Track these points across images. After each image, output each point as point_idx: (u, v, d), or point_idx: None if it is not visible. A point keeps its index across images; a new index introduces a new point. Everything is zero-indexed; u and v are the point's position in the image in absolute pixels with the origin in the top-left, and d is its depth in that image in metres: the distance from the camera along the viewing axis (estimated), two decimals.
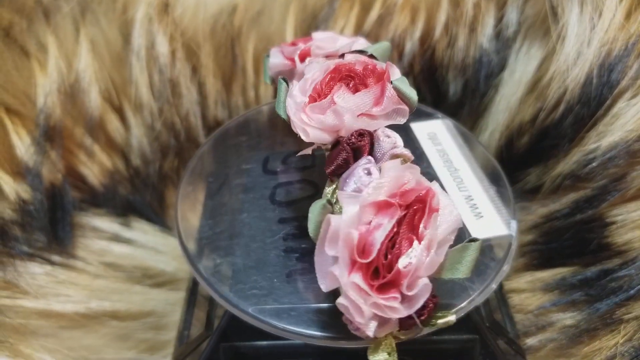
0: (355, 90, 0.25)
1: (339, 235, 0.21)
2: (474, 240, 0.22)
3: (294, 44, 0.31)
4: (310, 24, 0.40)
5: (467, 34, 0.39)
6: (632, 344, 0.29)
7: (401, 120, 0.25)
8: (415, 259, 0.20)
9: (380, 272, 0.21)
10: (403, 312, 0.21)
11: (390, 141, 0.24)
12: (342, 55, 0.27)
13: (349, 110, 0.24)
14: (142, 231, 0.40)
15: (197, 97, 0.40)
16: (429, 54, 0.40)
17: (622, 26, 0.34)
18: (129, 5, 0.38)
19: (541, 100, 0.37)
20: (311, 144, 0.26)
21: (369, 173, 0.23)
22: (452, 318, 0.22)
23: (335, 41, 0.30)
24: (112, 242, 0.39)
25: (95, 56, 0.38)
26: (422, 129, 0.34)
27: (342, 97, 0.24)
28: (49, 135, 0.37)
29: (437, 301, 0.22)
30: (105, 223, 0.39)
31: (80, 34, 0.38)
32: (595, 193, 0.34)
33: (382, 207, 0.21)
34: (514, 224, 0.29)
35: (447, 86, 0.41)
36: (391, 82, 0.25)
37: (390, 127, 0.27)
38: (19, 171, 0.36)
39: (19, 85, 0.37)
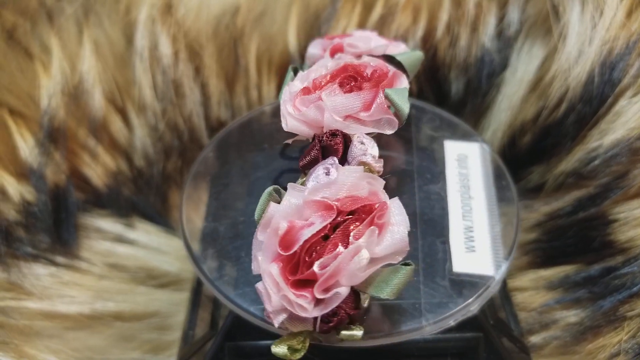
0: (350, 91, 0.25)
1: (270, 223, 0.21)
2: (408, 264, 0.22)
3: (333, 37, 0.31)
4: (312, 25, 0.40)
5: (469, 34, 0.39)
6: (635, 340, 0.29)
7: (388, 131, 0.25)
8: (334, 265, 0.20)
9: (300, 268, 0.21)
10: (311, 312, 0.21)
11: (362, 148, 0.24)
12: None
13: (333, 108, 0.24)
14: (145, 232, 0.40)
15: (200, 98, 0.40)
16: (431, 54, 0.40)
17: (623, 24, 0.34)
18: (132, 7, 0.39)
19: (543, 99, 0.37)
20: (294, 134, 0.26)
21: (328, 173, 0.23)
22: (358, 333, 0.22)
23: (370, 41, 0.30)
24: (116, 243, 0.39)
25: (99, 57, 0.39)
26: (455, 149, 0.33)
27: (329, 94, 0.25)
28: (53, 137, 0.37)
29: (354, 314, 0.22)
30: (109, 224, 0.39)
31: (84, 36, 0.38)
32: (597, 191, 0.34)
33: (320, 207, 0.21)
34: (504, 267, 0.27)
35: (449, 85, 0.41)
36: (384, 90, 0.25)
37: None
38: (23, 172, 0.37)
39: (22, 87, 0.37)
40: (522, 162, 0.39)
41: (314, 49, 0.31)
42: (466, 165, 0.32)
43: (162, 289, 0.38)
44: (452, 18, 0.39)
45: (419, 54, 0.28)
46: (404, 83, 0.26)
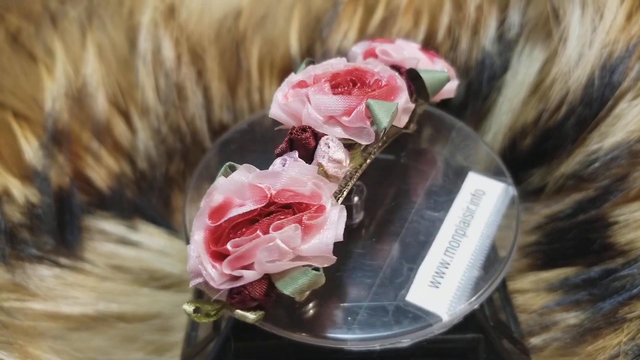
0: (340, 94, 0.25)
1: (208, 194, 0.23)
2: (317, 270, 0.22)
3: (378, 41, 0.32)
4: (314, 28, 0.40)
5: (470, 37, 0.40)
6: (635, 342, 0.29)
7: (363, 141, 0.25)
8: (245, 248, 0.21)
9: (221, 241, 0.22)
10: (218, 284, 0.21)
11: (325, 150, 0.24)
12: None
13: (316, 106, 0.24)
14: (148, 234, 0.40)
15: (202, 101, 0.41)
16: None
17: (623, 28, 0.34)
18: (135, 10, 0.39)
19: (544, 101, 0.38)
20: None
21: (283, 165, 0.24)
22: (250, 317, 0.22)
23: (403, 51, 0.30)
24: (119, 245, 0.39)
25: (102, 61, 0.39)
26: (476, 183, 0.32)
27: (316, 92, 0.25)
28: (57, 139, 0.38)
29: (262, 299, 0.22)
30: (112, 226, 0.39)
31: (87, 39, 0.39)
32: (597, 193, 0.34)
33: (257, 192, 0.22)
34: (458, 311, 0.26)
35: None
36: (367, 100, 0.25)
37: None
38: (27, 175, 0.37)
39: (26, 90, 0.37)
40: (522, 164, 0.39)
41: (357, 48, 0.32)
42: (478, 202, 0.31)
43: (165, 290, 0.38)
44: (453, 21, 0.40)
45: (444, 76, 0.28)
46: (402, 98, 0.26)
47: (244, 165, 0.23)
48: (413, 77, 0.28)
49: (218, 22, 0.40)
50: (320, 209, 0.22)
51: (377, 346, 0.26)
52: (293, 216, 0.22)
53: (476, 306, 0.27)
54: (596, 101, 0.35)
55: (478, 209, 0.31)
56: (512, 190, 0.32)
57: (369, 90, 0.25)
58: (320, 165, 0.24)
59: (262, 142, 0.36)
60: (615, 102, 0.34)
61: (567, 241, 0.35)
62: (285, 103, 0.25)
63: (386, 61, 0.29)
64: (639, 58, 0.34)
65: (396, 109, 0.25)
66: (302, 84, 0.26)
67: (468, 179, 0.32)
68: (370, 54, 0.31)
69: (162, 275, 0.39)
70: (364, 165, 0.29)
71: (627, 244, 0.32)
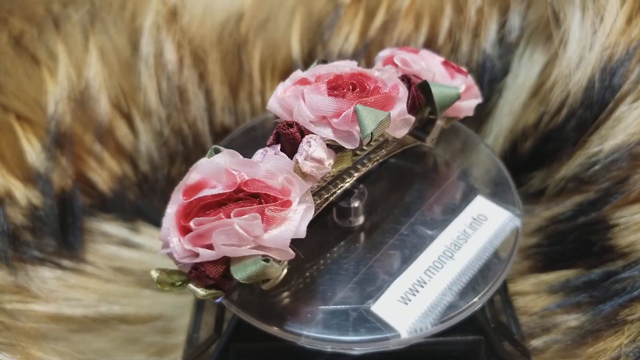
0: (334, 96, 0.25)
1: (189, 171, 0.24)
2: (267, 260, 0.22)
3: (403, 49, 0.32)
4: (315, 31, 0.40)
5: (471, 40, 0.40)
6: (636, 344, 0.29)
7: (347, 145, 0.25)
8: (204, 227, 0.22)
9: (189, 217, 0.23)
10: (179, 257, 0.22)
11: (305, 148, 0.24)
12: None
13: (309, 104, 0.25)
14: (150, 236, 0.40)
15: (204, 104, 0.41)
16: None
17: (623, 31, 0.34)
18: (137, 14, 0.39)
19: (544, 104, 0.38)
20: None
21: (264, 155, 0.24)
22: (199, 292, 0.23)
23: (420, 62, 0.30)
24: (121, 247, 0.39)
25: (105, 64, 0.39)
26: (480, 207, 0.31)
27: (311, 90, 0.25)
28: (59, 142, 0.38)
29: (216, 278, 0.23)
30: (114, 228, 0.40)
31: (90, 42, 0.39)
32: (598, 196, 0.34)
33: (230, 178, 0.23)
34: (419, 332, 0.26)
35: None
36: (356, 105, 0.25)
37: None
38: (30, 177, 0.37)
39: (29, 93, 0.38)
40: (523, 167, 0.39)
41: (382, 53, 0.32)
42: (477, 228, 0.30)
43: (166, 292, 0.38)
44: (454, 24, 0.40)
45: (455, 92, 0.28)
46: (397, 109, 0.25)
47: (228, 150, 0.24)
48: (425, 90, 0.28)
49: (220, 25, 0.40)
50: (286, 203, 0.23)
51: (328, 348, 0.26)
52: (257, 206, 0.22)
53: (441, 329, 0.26)
54: (596, 104, 0.35)
55: (475, 233, 0.30)
56: (517, 222, 0.30)
57: (364, 96, 0.25)
58: (296, 161, 0.24)
59: (263, 145, 0.36)
60: (616, 104, 0.34)
61: (568, 243, 0.35)
62: (282, 97, 0.26)
63: (403, 70, 0.29)
64: (639, 61, 0.34)
65: (387, 119, 0.24)
66: (303, 81, 0.26)
67: (474, 202, 0.31)
68: (389, 61, 0.31)
69: None
70: (364, 170, 0.29)
71: (628, 246, 0.33)
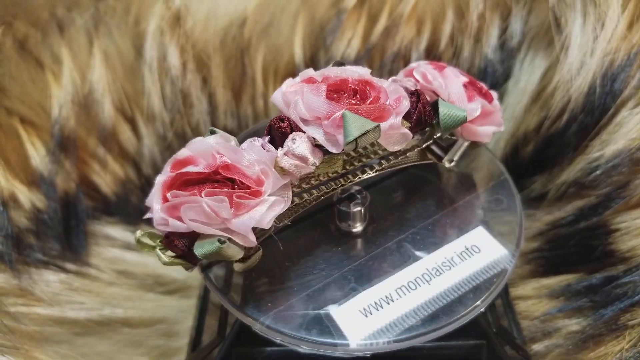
0: (331, 99, 0.25)
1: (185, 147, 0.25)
2: (222, 242, 0.24)
3: (433, 63, 0.31)
4: (318, 36, 0.40)
5: (472, 45, 0.40)
6: (637, 349, 0.29)
7: (332, 149, 0.25)
8: (177, 200, 0.24)
9: (171, 189, 0.24)
10: (155, 221, 0.24)
11: (289, 144, 0.25)
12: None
13: (305, 102, 0.25)
14: None
15: (207, 107, 0.41)
16: None
17: (624, 36, 0.34)
18: (141, 18, 0.39)
19: (545, 109, 0.38)
20: None
21: (251, 144, 0.25)
22: (163, 258, 0.25)
23: (439, 80, 0.29)
24: (125, 250, 0.39)
25: (109, 68, 0.39)
26: (478, 238, 0.30)
27: (311, 90, 0.25)
28: (63, 146, 0.38)
29: (181, 249, 0.24)
30: (117, 231, 0.40)
31: (94, 46, 0.39)
32: (599, 200, 0.35)
33: (212, 159, 0.24)
34: (359, 347, 0.26)
35: None
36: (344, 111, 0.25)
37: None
38: (34, 180, 0.37)
39: (34, 97, 0.38)
40: (524, 171, 0.39)
41: (414, 64, 0.31)
42: (466, 258, 0.29)
43: (170, 295, 0.39)
44: (456, 29, 0.40)
45: (461, 115, 0.27)
46: (388, 123, 0.25)
47: (223, 133, 0.25)
48: (436, 109, 0.28)
49: (223, 30, 0.40)
50: (256, 193, 0.24)
51: (278, 339, 0.27)
52: (228, 190, 0.24)
53: (394, 349, 0.26)
54: (597, 109, 0.35)
55: (462, 263, 0.29)
56: (509, 263, 0.29)
57: (360, 103, 0.25)
58: (277, 158, 0.25)
59: None
60: (617, 110, 0.34)
61: (569, 248, 0.35)
62: (285, 92, 0.26)
63: (422, 85, 0.29)
64: None
65: (375, 130, 0.24)
66: (310, 80, 0.26)
67: (473, 231, 0.30)
68: (410, 73, 0.30)
69: (167, 281, 0.39)
70: (363, 177, 0.29)
71: (629, 251, 0.33)
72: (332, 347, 0.26)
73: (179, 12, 0.39)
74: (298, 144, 0.25)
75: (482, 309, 0.27)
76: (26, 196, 0.37)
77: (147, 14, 0.39)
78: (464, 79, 0.30)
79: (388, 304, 0.27)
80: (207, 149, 0.25)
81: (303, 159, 0.25)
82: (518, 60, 0.40)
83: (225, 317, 0.32)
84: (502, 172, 0.33)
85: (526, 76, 0.39)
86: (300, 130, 0.25)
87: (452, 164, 0.32)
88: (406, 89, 0.27)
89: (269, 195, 0.24)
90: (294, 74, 0.40)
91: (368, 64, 0.40)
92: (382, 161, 0.30)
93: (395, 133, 0.26)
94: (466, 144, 0.32)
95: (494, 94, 0.31)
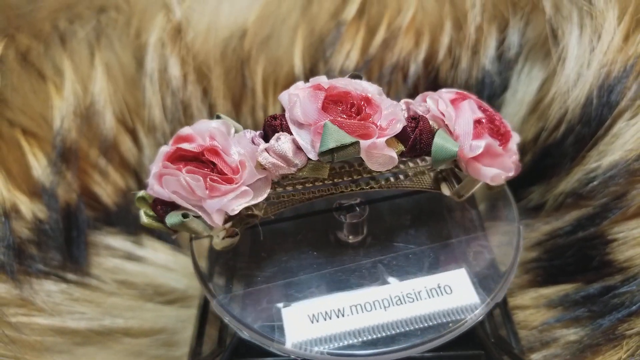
0: (323, 109, 0.26)
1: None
2: (186, 216, 0.26)
3: (457, 93, 0.30)
4: (317, 48, 0.41)
5: (470, 56, 0.40)
6: (634, 359, 0.29)
7: (308, 153, 0.26)
8: (165, 171, 0.26)
9: (167, 160, 0.27)
10: (149, 183, 0.28)
11: (273, 142, 0.26)
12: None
13: (301, 107, 0.26)
14: (153, 249, 0.41)
15: (207, 118, 0.41)
16: (433, 76, 0.41)
17: (620, 48, 0.34)
18: (142, 30, 0.40)
19: (543, 120, 0.38)
20: None
21: (243, 135, 0.27)
22: (143, 218, 0.28)
23: (449, 111, 0.28)
24: (125, 260, 0.39)
25: (110, 79, 0.40)
26: (455, 278, 0.29)
27: (308, 97, 0.26)
28: (65, 157, 0.38)
29: (159, 215, 0.27)
30: (118, 241, 0.40)
31: (95, 58, 0.40)
32: (596, 211, 0.35)
33: (202, 141, 0.27)
34: (294, 348, 0.27)
35: None
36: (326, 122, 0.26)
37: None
38: (36, 191, 0.37)
39: (36, 108, 0.38)
40: (522, 181, 0.39)
41: (443, 90, 0.31)
42: (434, 296, 0.28)
43: (170, 305, 0.39)
44: (454, 41, 0.40)
45: (452, 151, 0.27)
46: (369, 142, 0.25)
47: (226, 119, 0.28)
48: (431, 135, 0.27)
49: (223, 41, 0.40)
50: (229, 180, 0.26)
51: (226, 319, 0.29)
52: (205, 171, 0.26)
53: (327, 358, 0.27)
54: (594, 120, 0.35)
55: (427, 300, 0.28)
56: (479, 312, 0.28)
57: (349, 117, 0.26)
58: (257, 154, 0.26)
59: None
60: (613, 121, 0.35)
61: (567, 258, 0.36)
62: (291, 93, 0.27)
63: (433, 114, 0.28)
64: (636, 78, 0.34)
65: (354, 146, 0.25)
66: (317, 87, 0.27)
67: (454, 272, 0.29)
68: (425, 96, 0.30)
69: (167, 290, 0.39)
70: (354, 189, 0.29)
71: (626, 261, 0.33)
72: (269, 341, 0.27)
73: (179, 24, 0.39)
74: (281, 143, 0.26)
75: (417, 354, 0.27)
76: (28, 207, 0.37)
77: (148, 26, 0.40)
78: (480, 114, 0.29)
79: (337, 317, 0.28)
80: (204, 131, 0.27)
81: (284, 158, 0.26)
82: (515, 71, 0.40)
83: (225, 328, 0.32)
84: (516, 224, 0.32)
85: (524, 87, 0.40)
86: (289, 131, 0.26)
87: (462, 199, 0.31)
88: (414, 113, 0.27)
89: (244, 186, 0.26)
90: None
91: (367, 75, 0.41)
92: (372, 181, 0.30)
93: (378, 153, 0.26)
94: (479, 183, 0.30)
95: (516, 136, 0.30)
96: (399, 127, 0.26)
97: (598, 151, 0.35)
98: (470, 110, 0.28)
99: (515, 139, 0.30)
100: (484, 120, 0.29)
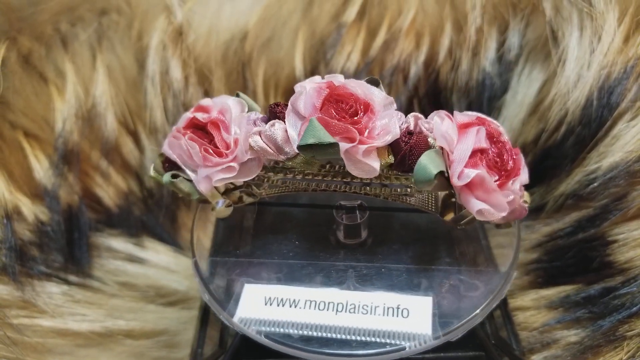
0: (323, 105, 0.26)
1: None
2: (175, 176, 0.29)
3: (479, 119, 0.28)
4: (318, 50, 0.41)
5: (471, 58, 0.40)
6: None
7: (293, 145, 0.26)
8: (175, 135, 0.29)
9: (184, 126, 0.30)
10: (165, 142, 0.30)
11: (268, 127, 0.27)
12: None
13: (303, 99, 0.26)
14: (155, 251, 0.41)
15: None
16: (434, 78, 0.41)
17: (620, 50, 0.35)
18: (143, 33, 0.40)
19: (543, 121, 0.38)
20: None
21: (247, 116, 0.28)
22: (151, 171, 0.31)
23: (449, 133, 0.27)
24: (127, 262, 0.40)
25: (112, 82, 0.40)
26: (417, 304, 0.28)
27: (314, 91, 0.26)
28: (67, 159, 0.38)
29: (165, 169, 0.30)
30: (120, 243, 0.40)
31: (97, 61, 0.40)
32: (597, 212, 0.35)
33: (209, 114, 0.29)
34: (240, 323, 0.28)
35: (451, 108, 0.41)
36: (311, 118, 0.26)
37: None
38: (37, 193, 0.38)
39: (37, 110, 0.38)
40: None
41: (471, 113, 0.29)
42: (388, 315, 0.28)
43: (171, 307, 0.39)
44: (454, 43, 0.40)
45: (430, 174, 0.25)
46: (349, 146, 0.25)
47: (244, 99, 0.29)
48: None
49: (225, 44, 0.40)
50: (219, 154, 0.28)
51: (196, 279, 0.31)
52: (202, 141, 0.28)
53: (261, 342, 0.27)
54: (595, 122, 0.35)
55: (379, 317, 0.28)
56: (426, 344, 0.27)
57: (339, 118, 0.26)
58: (251, 138, 0.27)
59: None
60: (614, 122, 0.35)
61: (568, 259, 0.36)
62: (301, 84, 0.27)
63: (437, 131, 0.27)
64: (637, 80, 0.34)
65: (332, 147, 0.25)
66: (329, 84, 0.27)
67: (419, 297, 0.28)
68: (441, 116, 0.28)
69: (169, 292, 0.39)
70: (346, 191, 0.30)
71: (626, 263, 0.33)
72: (221, 310, 0.29)
73: (181, 26, 0.40)
74: (274, 129, 0.27)
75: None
76: (30, 209, 0.37)
77: (150, 28, 0.40)
78: (485, 145, 0.27)
79: (290, 306, 0.28)
80: (219, 105, 0.29)
81: (274, 144, 0.27)
82: (516, 73, 0.40)
83: (226, 329, 0.32)
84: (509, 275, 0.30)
85: (524, 89, 0.40)
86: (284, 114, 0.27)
87: (460, 227, 0.30)
88: (416, 129, 0.27)
89: (232, 162, 0.27)
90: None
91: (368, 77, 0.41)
92: (367, 187, 0.30)
93: (359, 160, 0.26)
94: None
95: (523, 178, 0.28)
96: (388, 139, 0.26)
97: (598, 153, 0.35)
98: (475, 137, 0.27)
99: (521, 180, 0.28)
100: (490, 152, 0.27)
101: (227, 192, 0.31)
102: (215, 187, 0.30)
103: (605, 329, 0.32)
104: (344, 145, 0.25)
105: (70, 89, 0.39)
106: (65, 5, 0.39)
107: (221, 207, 0.31)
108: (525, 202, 0.30)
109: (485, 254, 0.32)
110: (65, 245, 0.38)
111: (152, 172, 0.31)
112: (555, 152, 0.38)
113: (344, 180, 0.30)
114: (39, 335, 0.34)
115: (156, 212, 0.42)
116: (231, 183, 0.30)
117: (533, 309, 0.35)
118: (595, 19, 0.35)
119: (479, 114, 0.28)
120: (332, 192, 0.30)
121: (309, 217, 0.34)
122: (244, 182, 0.30)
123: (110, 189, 0.41)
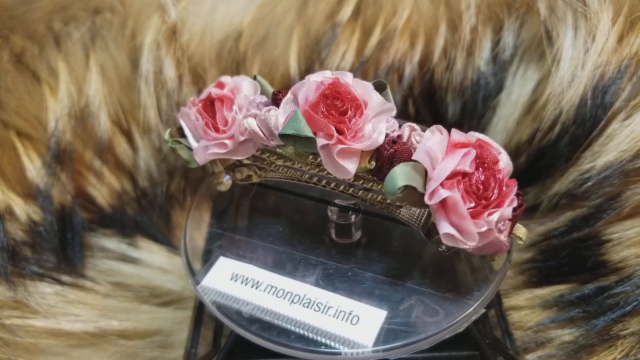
0: (317, 99, 0.26)
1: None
2: (177, 142, 0.31)
3: (479, 141, 0.27)
4: (313, 49, 0.41)
5: (465, 58, 0.40)
6: (629, 359, 0.29)
7: (275, 131, 0.27)
8: (190, 105, 0.31)
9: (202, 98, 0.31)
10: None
11: (264, 112, 0.28)
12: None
13: (303, 91, 0.27)
14: (148, 251, 0.41)
15: None
16: (428, 77, 0.41)
17: (614, 49, 0.35)
18: (137, 32, 0.40)
19: (537, 121, 0.38)
20: None
21: (252, 99, 0.29)
22: (166, 135, 0.32)
23: (433, 147, 0.25)
24: (120, 262, 0.39)
25: (105, 81, 0.40)
26: (370, 315, 0.28)
27: (313, 85, 0.26)
28: (60, 158, 0.38)
29: (178, 134, 0.32)
30: (113, 243, 0.40)
31: (90, 60, 0.39)
32: (591, 211, 0.35)
33: (222, 91, 0.30)
34: (204, 294, 0.30)
35: (446, 108, 0.42)
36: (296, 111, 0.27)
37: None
38: (30, 193, 0.37)
39: (30, 110, 0.38)
40: (517, 182, 0.39)
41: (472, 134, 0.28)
42: (337, 317, 0.28)
43: (165, 307, 0.39)
44: (449, 43, 0.40)
45: (395, 185, 0.25)
46: (324, 143, 0.25)
47: (260, 82, 0.30)
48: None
49: (219, 43, 0.40)
50: (217, 129, 0.29)
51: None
52: (207, 116, 0.29)
53: (214, 313, 0.29)
54: (589, 121, 0.35)
55: (328, 318, 0.28)
56: (362, 355, 0.26)
57: (326, 116, 0.26)
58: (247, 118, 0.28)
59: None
60: (608, 122, 0.35)
61: (562, 259, 0.36)
62: (308, 76, 0.28)
63: (425, 146, 0.26)
64: (631, 79, 0.34)
65: (308, 139, 0.26)
66: (333, 80, 0.27)
67: (375, 309, 0.28)
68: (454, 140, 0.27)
69: (162, 292, 0.39)
70: (336, 190, 0.30)
71: (621, 262, 0.33)
72: (190, 275, 0.31)
73: (175, 25, 0.39)
74: (269, 115, 0.27)
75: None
76: (22, 209, 0.37)
77: (144, 27, 0.40)
78: (470, 169, 0.25)
79: (252, 287, 0.30)
80: (233, 83, 0.30)
81: (266, 128, 0.28)
82: (510, 72, 0.40)
83: (220, 329, 0.32)
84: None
85: (518, 88, 0.40)
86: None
87: (441, 249, 0.29)
88: (404, 139, 0.27)
89: (226, 140, 0.29)
90: (288, 87, 0.41)
91: (362, 76, 0.41)
92: (352, 189, 0.30)
93: (335, 159, 0.26)
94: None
95: (503, 213, 0.26)
96: (366, 144, 0.26)
97: (592, 152, 0.35)
98: (460, 159, 0.25)
99: (503, 214, 0.26)
100: (474, 177, 0.25)
101: (234, 167, 0.33)
102: (220, 162, 0.32)
103: (600, 328, 0.32)
104: (320, 141, 0.26)
105: (63, 88, 0.38)
106: (58, 4, 0.39)
107: (227, 181, 0.34)
108: (516, 236, 0.29)
109: (461, 281, 0.30)
110: (58, 245, 0.37)
111: (166, 135, 0.32)
112: (549, 151, 0.38)
113: (329, 175, 0.30)
114: (32, 335, 0.34)
115: (150, 212, 0.42)
116: (239, 160, 0.32)
117: (527, 308, 0.35)
118: (589, 19, 0.35)
119: (483, 137, 0.27)
120: (322, 188, 0.31)
121: (303, 210, 0.34)
122: (245, 161, 0.32)
123: (103, 189, 0.40)
